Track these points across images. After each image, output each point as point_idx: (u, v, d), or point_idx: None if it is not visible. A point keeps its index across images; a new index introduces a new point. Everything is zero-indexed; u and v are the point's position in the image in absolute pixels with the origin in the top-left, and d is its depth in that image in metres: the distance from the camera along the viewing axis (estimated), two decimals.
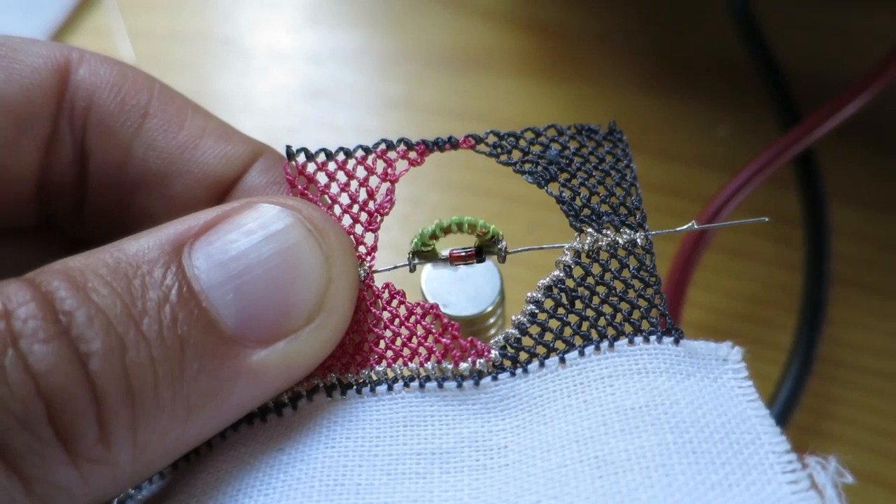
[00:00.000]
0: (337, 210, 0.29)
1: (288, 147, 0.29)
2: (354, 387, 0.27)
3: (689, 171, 0.56)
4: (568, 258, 0.28)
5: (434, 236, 0.29)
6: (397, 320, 0.28)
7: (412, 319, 0.28)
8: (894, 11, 0.61)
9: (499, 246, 0.29)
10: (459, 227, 0.29)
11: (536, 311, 0.28)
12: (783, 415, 0.43)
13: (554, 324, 0.28)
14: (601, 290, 0.28)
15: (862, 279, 0.50)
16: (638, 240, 0.28)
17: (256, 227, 0.25)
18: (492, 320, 0.34)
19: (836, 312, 0.49)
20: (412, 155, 0.29)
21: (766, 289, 0.50)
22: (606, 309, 0.28)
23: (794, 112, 0.55)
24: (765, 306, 0.50)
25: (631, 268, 0.28)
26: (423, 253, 0.30)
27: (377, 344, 0.28)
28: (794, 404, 0.44)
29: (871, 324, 0.49)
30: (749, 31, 0.59)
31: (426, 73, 0.64)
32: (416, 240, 0.29)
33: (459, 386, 0.27)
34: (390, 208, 0.29)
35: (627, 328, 0.27)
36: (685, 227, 0.30)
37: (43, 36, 0.63)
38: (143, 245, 0.24)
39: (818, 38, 0.61)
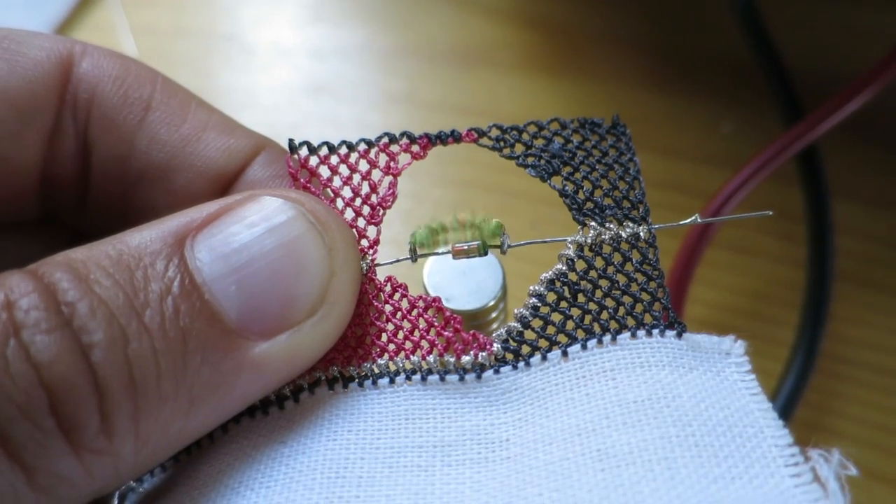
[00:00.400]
0: (339, 203, 0.29)
1: (290, 140, 0.29)
2: (356, 380, 0.27)
3: (693, 168, 0.55)
4: (571, 252, 0.28)
5: (435, 234, 0.29)
6: (399, 313, 0.28)
7: (414, 313, 0.28)
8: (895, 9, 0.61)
9: (501, 239, 0.29)
10: (461, 224, 0.29)
11: (539, 304, 0.28)
12: (785, 411, 0.43)
13: (556, 317, 0.27)
14: (604, 283, 0.28)
15: (865, 276, 0.50)
16: (641, 233, 0.28)
17: (259, 220, 0.25)
18: (494, 314, 0.34)
19: (839, 309, 0.48)
20: (415, 148, 0.29)
21: (768, 285, 0.50)
22: (609, 302, 0.28)
23: (797, 108, 0.55)
24: (767, 302, 0.50)
25: (634, 261, 0.28)
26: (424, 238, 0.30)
27: (379, 337, 0.28)
28: (796, 400, 0.44)
29: (873, 320, 0.49)
30: (752, 27, 0.59)
31: (428, 69, 0.64)
32: (416, 237, 0.29)
33: (461, 379, 0.27)
34: (393, 202, 0.29)
35: (630, 322, 0.27)
36: (689, 220, 0.30)
37: (46, 31, 0.63)
38: (145, 237, 0.24)
39: (822, 34, 0.61)
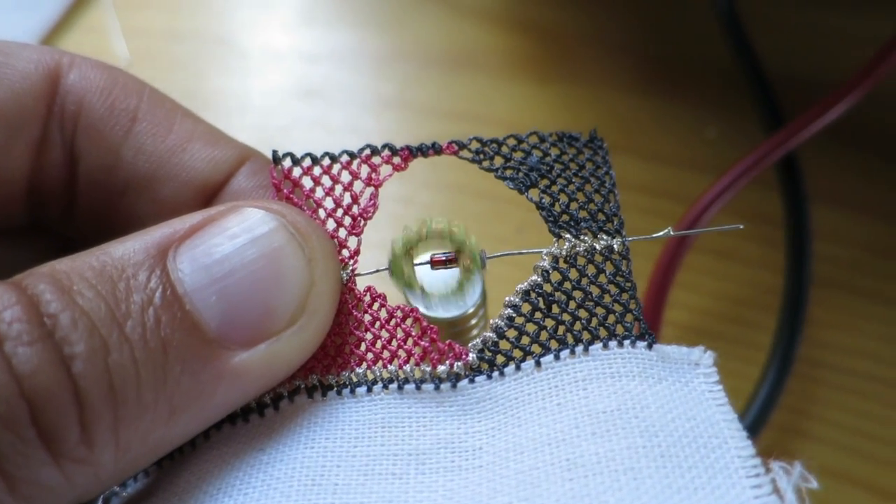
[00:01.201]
0: (321, 214, 0.30)
1: (274, 152, 0.30)
2: (335, 388, 0.28)
3: (678, 173, 0.56)
4: (546, 263, 0.29)
5: (412, 247, 0.30)
6: (378, 323, 0.29)
7: (392, 322, 0.29)
8: (878, 15, 0.61)
9: (480, 258, 0.30)
10: (440, 235, 0.30)
11: (514, 314, 0.28)
12: (762, 414, 0.44)
13: (531, 328, 0.28)
14: (578, 294, 0.28)
15: (843, 280, 0.51)
16: (615, 246, 0.29)
17: (240, 231, 0.26)
18: (473, 321, 0.34)
19: (818, 313, 0.49)
20: (396, 160, 0.30)
21: (749, 290, 0.51)
22: (582, 313, 0.28)
23: (778, 115, 0.55)
24: (748, 307, 0.50)
25: (607, 273, 0.29)
26: (401, 269, 0.30)
27: (358, 346, 0.29)
28: (773, 404, 0.44)
29: (851, 325, 0.49)
30: (734, 33, 0.59)
31: (420, 73, 0.64)
32: (396, 248, 0.30)
33: (437, 388, 0.27)
34: (374, 213, 0.30)
35: (602, 333, 0.28)
36: (661, 233, 0.30)
37: (38, 34, 0.64)
38: (128, 248, 0.25)
39: (803, 41, 0.61)
